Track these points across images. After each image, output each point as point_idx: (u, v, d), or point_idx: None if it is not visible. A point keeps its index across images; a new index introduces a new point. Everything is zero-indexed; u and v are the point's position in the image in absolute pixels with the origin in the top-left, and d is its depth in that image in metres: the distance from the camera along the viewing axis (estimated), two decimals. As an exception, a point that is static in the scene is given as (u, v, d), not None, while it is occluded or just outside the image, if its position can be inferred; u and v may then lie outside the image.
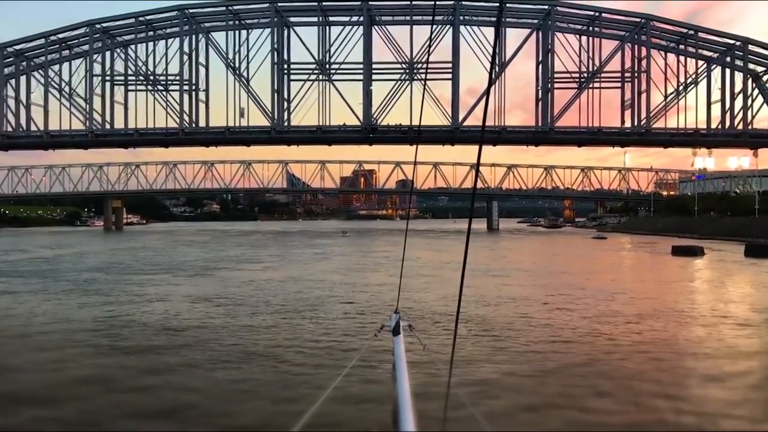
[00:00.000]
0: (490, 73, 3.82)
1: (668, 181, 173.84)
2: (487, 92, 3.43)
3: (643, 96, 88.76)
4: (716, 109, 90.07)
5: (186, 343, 15.93)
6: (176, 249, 63.09)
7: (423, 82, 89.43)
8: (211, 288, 28.17)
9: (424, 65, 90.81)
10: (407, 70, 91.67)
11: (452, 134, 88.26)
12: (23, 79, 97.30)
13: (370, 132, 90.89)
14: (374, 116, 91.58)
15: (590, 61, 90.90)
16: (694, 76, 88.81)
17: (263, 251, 59.31)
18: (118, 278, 32.66)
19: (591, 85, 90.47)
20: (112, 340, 16.27)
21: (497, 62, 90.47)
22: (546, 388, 11.96)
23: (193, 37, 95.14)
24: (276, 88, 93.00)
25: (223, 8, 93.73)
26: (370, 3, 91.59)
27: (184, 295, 25.33)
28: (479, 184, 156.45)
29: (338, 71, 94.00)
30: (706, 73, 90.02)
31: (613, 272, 38.31)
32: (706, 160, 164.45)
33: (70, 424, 10.11)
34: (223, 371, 13.18)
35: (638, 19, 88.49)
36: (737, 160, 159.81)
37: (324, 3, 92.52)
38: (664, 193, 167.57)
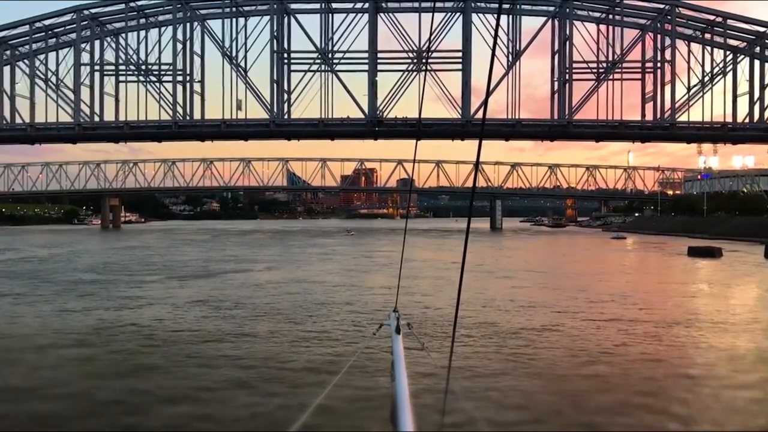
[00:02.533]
0: (491, 64, 3.08)
1: (674, 180, 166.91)
2: (488, 85, 2.99)
3: (667, 88, 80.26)
4: (742, 102, 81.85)
5: (180, 342, 15.29)
6: (174, 248, 60.42)
7: (429, 72, 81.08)
8: (210, 290, 26.62)
9: (432, 55, 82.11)
10: (415, 61, 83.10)
11: (463, 128, 79.61)
12: (7, 69, 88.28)
13: (375, 125, 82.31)
14: (380, 109, 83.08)
15: (609, 50, 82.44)
16: (722, 66, 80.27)
17: (264, 251, 56.76)
18: (111, 279, 30.94)
19: (611, 77, 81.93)
20: (98, 350, 14.98)
21: (512, 51, 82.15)
22: (547, 390, 11.38)
23: (188, 24, 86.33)
24: (275, 78, 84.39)
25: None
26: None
27: (182, 298, 23.85)
28: (483, 183, 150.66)
29: (342, 61, 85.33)
30: (732, 64, 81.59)
31: (629, 274, 36.51)
32: (710, 159, 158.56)
33: None
34: (218, 372, 12.59)
35: (662, 6, 79.93)
36: (742, 159, 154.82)
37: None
38: (669, 192, 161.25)
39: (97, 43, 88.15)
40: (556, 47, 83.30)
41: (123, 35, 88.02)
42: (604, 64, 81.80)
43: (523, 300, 23.60)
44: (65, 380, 12.44)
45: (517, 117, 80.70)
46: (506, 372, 12.81)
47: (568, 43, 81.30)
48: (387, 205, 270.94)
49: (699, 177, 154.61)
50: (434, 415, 3.43)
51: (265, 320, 19.01)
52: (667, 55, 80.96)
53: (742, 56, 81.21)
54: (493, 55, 2.89)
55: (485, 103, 2.82)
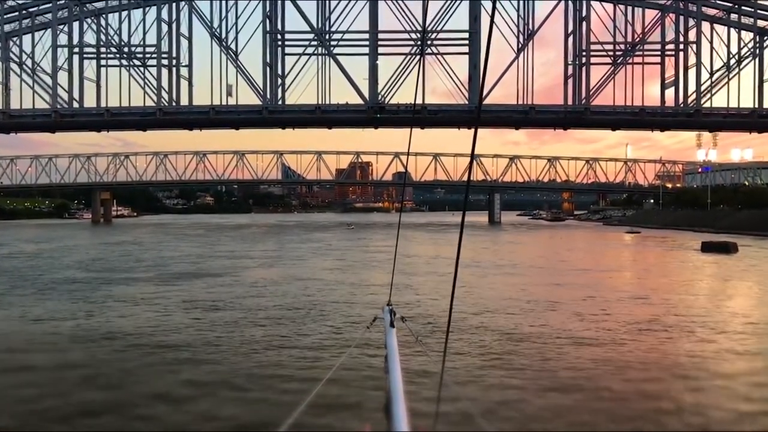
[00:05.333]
0: (488, 48, 2.90)
1: (675, 173, 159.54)
2: (484, 69, 2.79)
3: (691, 72, 72.09)
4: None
5: (171, 344, 14.36)
6: (166, 244, 56.97)
7: (435, 56, 72.78)
8: (203, 289, 24.60)
9: (437, 36, 73.59)
10: (419, 43, 74.34)
11: (472, 114, 71.04)
12: (-22, 51, 78.92)
13: (376, 112, 73.59)
14: (381, 94, 74.34)
15: (627, 32, 74.09)
16: (751, 48, 72.02)
17: (260, 246, 53.84)
18: (97, 278, 28.71)
19: (629, 60, 73.63)
20: (74, 358, 13.37)
21: (523, 31, 73.62)
22: (550, 390, 10.87)
23: (174, 4, 77.46)
24: (268, 62, 75.51)
25: (208, -30, 76.04)
26: (377, -36, 74.13)
27: (171, 298, 21.77)
28: (481, 176, 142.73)
29: (340, 43, 76.51)
30: (759, 46, 73.41)
31: (644, 271, 33.60)
32: (709, 152, 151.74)
33: None
34: (208, 374, 11.88)
35: (685, -17, 71.65)
36: (740, 152, 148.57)
37: (324, -36, 75.02)
38: (668, 185, 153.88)
39: (76, 24, 79.09)
40: (570, 28, 74.90)
41: (104, 15, 78.99)
42: (623, 46, 73.40)
43: (531, 298, 21.68)
44: (31, 398, 10.64)
45: (530, 103, 72.13)
46: (507, 370, 12.12)
47: (585, 23, 72.86)
48: (383, 198, 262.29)
49: (699, 170, 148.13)
50: (429, 409, 3.26)
51: (258, 318, 17.81)
52: (690, 36, 72.87)
53: (769, 38, 73.16)
54: (490, 35, 2.66)
55: (481, 88, 2.73)
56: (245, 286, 25.63)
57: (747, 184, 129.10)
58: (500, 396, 10.41)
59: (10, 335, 15.98)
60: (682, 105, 72.06)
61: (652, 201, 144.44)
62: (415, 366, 9.80)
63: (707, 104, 73.08)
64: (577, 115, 72.02)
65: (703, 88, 72.72)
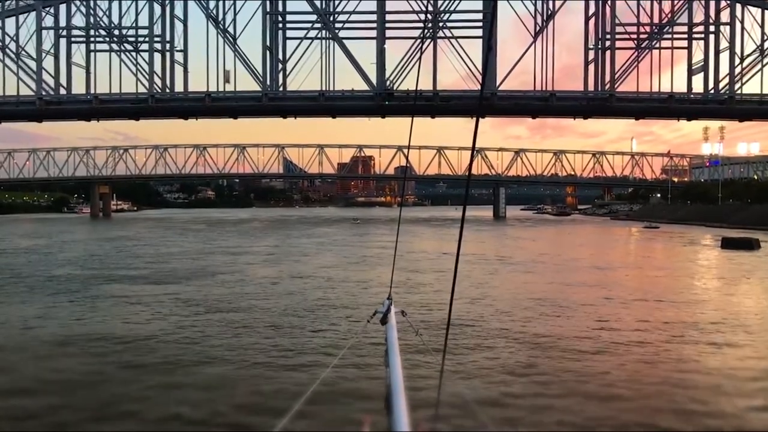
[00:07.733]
0: (490, 31, 2.84)
1: (682, 167, 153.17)
2: (487, 56, 2.84)
3: (722, 57, 65.17)
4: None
5: (168, 345, 13.66)
6: (166, 240, 54.59)
7: (443, 39, 65.87)
8: (201, 288, 22.97)
9: (450, 17, 66.68)
10: (429, 25, 67.32)
11: (487, 101, 64.02)
12: (-42, 34, 71.73)
13: (384, 99, 66.58)
14: (389, 79, 67.35)
15: (654, 13, 67.17)
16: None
17: (262, 242, 51.94)
18: (91, 275, 26.58)
19: (655, 45, 66.69)
20: (60, 360, 12.49)
21: (541, 11, 66.59)
22: (551, 391, 10.26)
23: (168, -16, 70.27)
24: (268, 46, 68.46)
25: (204, -53, 68.80)
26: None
27: (170, 297, 20.54)
28: (485, 170, 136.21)
29: (345, 26, 69.41)
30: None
31: (665, 270, 30.47)
32: (715, 146, 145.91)
33: None
34: (204, 374, 11.26)
35: (717, -40, 64.59)
36: (747, 145, 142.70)
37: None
38: (675, 179, 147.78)
39: (63, 5, 71.84)
40: (592, 10, 67.89)
41: (93, -4, 71.65)
42: (652, 28, 66.39)
43: (540, 297, 20.18)
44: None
45: (551, 89, 65.11)
46: (511, 368, 11.48)
47: (608, 4, 65.79)
48: (385, 193, 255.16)
49: (707, 164, 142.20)
50: (429, 404, 3.25)
51: (258, 316, 16.78)
52: (720, 18, 65.93)
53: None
54: (494, 17, 3.30)
55: (484, 75, 2.61)
56: (246, 283, 24.54)
57: (756, 177, 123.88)
58: (504, 394, 10.00)
59: None
60: (712, 91, 65.10)
61: (659, 195, 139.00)
62: (416, 361, 9.48)
63: (738, 91, 66.24)
64: (600, 102, 65.07)
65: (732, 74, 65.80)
